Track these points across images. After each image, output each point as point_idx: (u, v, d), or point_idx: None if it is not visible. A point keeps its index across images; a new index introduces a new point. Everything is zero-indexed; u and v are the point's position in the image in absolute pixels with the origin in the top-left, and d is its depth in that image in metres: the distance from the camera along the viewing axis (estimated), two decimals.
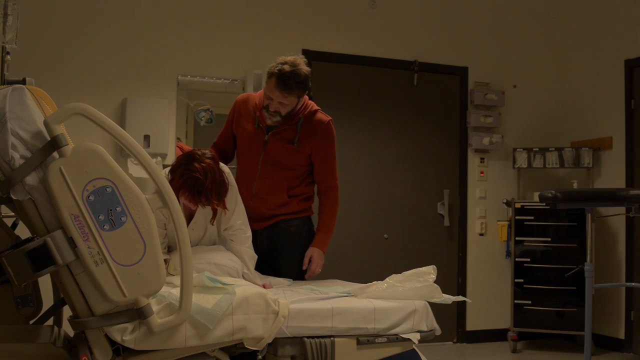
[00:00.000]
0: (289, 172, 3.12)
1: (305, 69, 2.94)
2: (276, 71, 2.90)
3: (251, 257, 2.88)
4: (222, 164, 2.84)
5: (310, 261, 3.11)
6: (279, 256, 3.16)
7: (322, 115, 3.15)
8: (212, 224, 2.84)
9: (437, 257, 5.58)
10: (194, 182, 2.60)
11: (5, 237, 2.31)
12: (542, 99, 6.06)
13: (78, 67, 4.72)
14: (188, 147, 4.87)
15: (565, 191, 3.58)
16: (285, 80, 2.89)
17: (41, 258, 1.92)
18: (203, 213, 2.82)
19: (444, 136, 5.78)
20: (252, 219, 3.03)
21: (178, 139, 5.05)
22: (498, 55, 5.95)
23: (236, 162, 3.30)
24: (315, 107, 3.15)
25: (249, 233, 2.91)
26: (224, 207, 2.76)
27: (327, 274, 3.93)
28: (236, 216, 2.84)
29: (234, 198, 2.84)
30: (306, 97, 3.14)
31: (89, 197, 1.96)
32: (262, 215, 3.11)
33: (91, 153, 1.98)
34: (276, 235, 3.16)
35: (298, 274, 3.13)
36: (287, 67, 2.89)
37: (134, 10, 4.88)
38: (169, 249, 2.84)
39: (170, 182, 2.62)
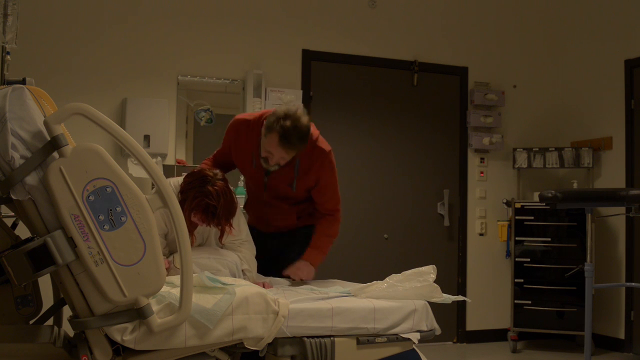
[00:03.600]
0: (296, 202, 3.11)
1: (305, 120, 2.79)
2: (278, 128, 2.73)
3: (253, 262, 2.92)
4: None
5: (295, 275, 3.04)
6: (286, 258, 3.18)
7: (321, 146, 3.01)
8: (222, 242, 2.88)
9: (437, 257, 5.59)
10: (206, 205, 2.61)
11: (5, 237, 2.32)
12: (542, 99, 6.06)
13: (78, 67, 4.72)
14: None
15: (565, 191, 3.57)
16: (288, 137, 2.74)
17: (41, 258, 1.92)
18: (205, 228, 2.86)
19: (444, 136, 5.78)
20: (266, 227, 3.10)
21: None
22: (498, 55, 5.95)
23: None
24: (314, 137, 2.99)
25: (253, 247, 2.96)
26: (231, 226, 2.79)
27: (327, 274, 3.93)
28: (239, 230, 2.90)
29: (237, 214, 2.87)
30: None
31: (89, 197, 1.96)
32: (276, 230, 3.16)
33: (91, 153, 1.98)
34: (285, 237, 3.19)
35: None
36: (288, 123, 2.73)
37: (134, 10, 4.88)
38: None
39: (182, 201, 2.62)
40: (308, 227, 3.17)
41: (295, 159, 2.94)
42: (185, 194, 2.66)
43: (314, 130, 2.98)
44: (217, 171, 2.76)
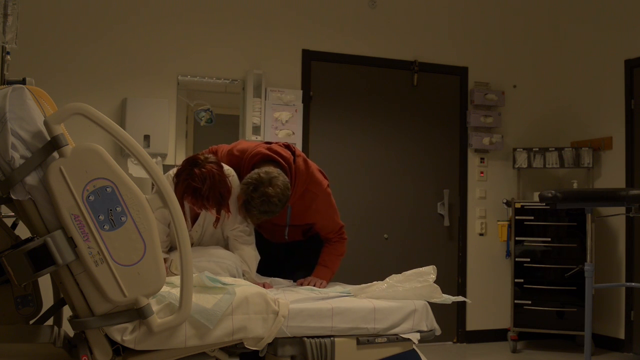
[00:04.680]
0: (297, 227, 3.09)
1: (277, 196, 2.67)
2: (245, 195, 2.69)
3: (254, 257, 2.89)
4: (226, 167, 2.84)
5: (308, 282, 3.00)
6: (290, 263, 3.17)
7: (313, 190, 2.94)
8: (215, 228, 2.85)
9: (437, 257, 5.59)
10: (193, 188, 2.60)
11: (5, 237, 2.31)
12: (542, 99, 6.06)
13: (78, 67, 4.72)
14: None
15: (565, 191, 3.57)
16: (250, 209, 2.71)
17: (41, 258, 1.92)
18: (205, 215, 2.84)
19: (444, 136, 5.78)
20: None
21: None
22: (498, 55, 5.95)
23: None
24: (308, 179, 2.90)
25: (253, 237, 2.92)
26: (227, 211, 2.77)
27: None
28: (241, 219, 2.86)
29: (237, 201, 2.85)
30: (297, 170, 2.87)
31: (89, 197, 1.96)
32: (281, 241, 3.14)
33: (91, 153, 1.98)
34: (291, 244, 3.18)
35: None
36: (256, 197, 2.66)
37: (134, 10, 4.88)
38: (171, 248, 2.84)
39: (176, 186, 2.64)
40: (316, 234, 3.17)
41: (286, 206, 2.88)
42: (178, 177, 2.66)
43: (307, 168, 2.91)
44: (211, 155, 2.73)
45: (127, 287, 1.98)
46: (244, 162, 2.94)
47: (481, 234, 5.80)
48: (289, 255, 3.21)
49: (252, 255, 2.88)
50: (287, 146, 2.97)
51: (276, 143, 2.99)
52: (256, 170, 2.73)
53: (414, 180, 5.66)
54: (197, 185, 2.59)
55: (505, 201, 5.74)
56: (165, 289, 2.19)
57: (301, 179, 2.89)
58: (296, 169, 2.88)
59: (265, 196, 2.66)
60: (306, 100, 5.28)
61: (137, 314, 2.02)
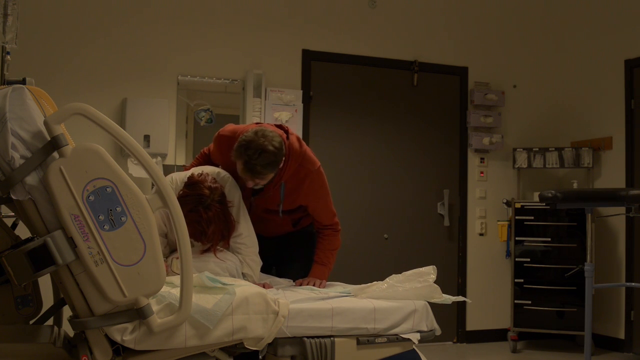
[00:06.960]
0: (288, 214, 3.06)
1: (273, 145, 2.68)
2: (243, 157, 2.68)
3: (256, 263, 2.88)
4: (223, 174, 2.84)
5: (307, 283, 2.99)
6: (286, 257, 3.17)
7: (307, 166, 2.92)
8: (215, 254, 2.82)
9: (437, 257, 5.59)
10: (200, 231, 2.64)
11: (5, 237, 2.32)
12: (542, 99, 6.06)
13: (78, 67, 4.72)
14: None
15: (565, 191, 3.57)
16: (252, 167, 2.68)
17: (41, 258, 1.92)
18: None
19: (444, 136, 5.78)
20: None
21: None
22: (498, 55, 5.95)
23: None
24: (300, 155, 2.89)
25: (255, 241, 2.90)
26: (227, 244, 2.79)
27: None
28: (242, 226, 2.85)
29: (235, 210, 2.84)
30: (291, 147, 2.85)
31: (89, 197, 1.95)
32: (274, 234, 3.12)
33: (91, 153, 1.98)
34: (285, 238, 3.17)
35: (301, 276, 3.12)
36: (251, 152, 2.65)
37: (134, 10, 4.88)
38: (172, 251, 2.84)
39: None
40: (307, 226, 3.16)
41: (279, 182, 2.88)
42: (180, 204, 2.63)
43: (300, 146, 2.89)
44: (217, 186, 2.71)
45: (127, 287, 1.98)
46: (233, 143, 2.86)
47: (481, 234, 5.80)
48: (281, 249, 3.19)
49: (255, 261, 2.87)
50: (280, 126, 2.95)
51: (268, 124, 2.96)
52: (249, 132, 2.74)
53: (414, 180, 5.66)
54: (204, 230, 2.64)
55: (505, 201, 5.74)
56: (165, 289, 2.19)
57: (294, 156, 2.86)
58: (290, 146, 2.84)
59: (262, 148, 2.66)
60: (306, 100, 5.28)
61: (137, 314, 2.02)
